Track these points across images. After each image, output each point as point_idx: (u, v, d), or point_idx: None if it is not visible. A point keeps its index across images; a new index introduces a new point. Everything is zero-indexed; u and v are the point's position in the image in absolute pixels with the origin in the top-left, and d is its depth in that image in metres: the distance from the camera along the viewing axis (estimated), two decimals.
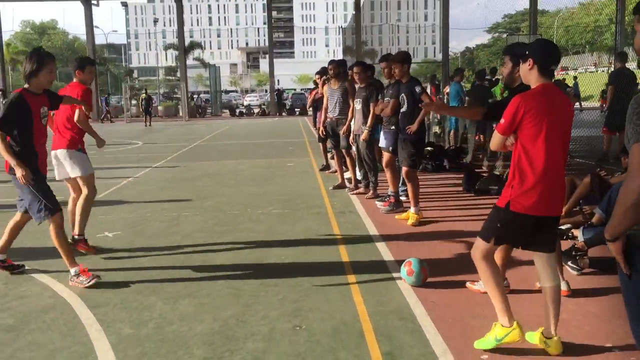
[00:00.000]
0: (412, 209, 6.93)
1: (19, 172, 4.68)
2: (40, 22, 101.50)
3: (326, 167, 11.43)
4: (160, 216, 7.63)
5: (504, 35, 59.92)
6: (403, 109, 7.02)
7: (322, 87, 10.12)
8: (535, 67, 3.39)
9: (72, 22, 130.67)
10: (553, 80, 3.59)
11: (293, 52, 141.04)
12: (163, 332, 3.94)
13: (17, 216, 5.18)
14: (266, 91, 57.26)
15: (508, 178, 3.48)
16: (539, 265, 3.56)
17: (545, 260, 3.53)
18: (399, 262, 5.02)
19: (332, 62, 9.10)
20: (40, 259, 5.76)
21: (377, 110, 7.78)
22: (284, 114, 40.46)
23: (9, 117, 4.73)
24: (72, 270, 4.89)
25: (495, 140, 3.53)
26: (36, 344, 3.82)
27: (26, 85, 4.90)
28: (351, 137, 8.74)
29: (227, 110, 44.03)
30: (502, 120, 3.42)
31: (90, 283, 4.80)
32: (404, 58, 7.06)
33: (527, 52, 3.45)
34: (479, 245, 3.54)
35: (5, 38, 44.98)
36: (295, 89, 73.56)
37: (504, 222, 3.45)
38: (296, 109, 40.71)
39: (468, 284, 4.59)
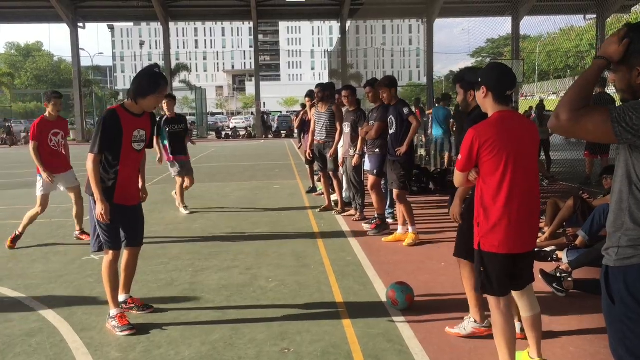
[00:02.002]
0: (410, 229, 7.04)
1: (98, 208, 4.26)
2: (26, 43, 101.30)
3: (313, 189, 11.48)
4: (147, 238, 7.58)
5: (487, 60, 60.79)
6: (392, 131, 7.10)
7: (310, 109, 10.19)
8: (489, 95, 3.24)
9: (57, 44, 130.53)
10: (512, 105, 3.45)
11: (279, 75, 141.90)
12: (151, 356, 3.93)
13: (124, 254, 4.66)
14: (252, 114, 57.39)
15: (474, 215, 3.32)
16: (516, 296, 3.46)
17: (522, 292, 3.44)
18: (386, 284, 5.06)
19: (318, 85, 9.17)
20: (27, 282, 5.72)
21: (361, 134, 7.86)
22: (270, 136, 40.57)
23: (105, 137, 4.24)
24: (111, 312, 4.44)
25: (456, 177, 3.35)
26: None
27: (127, 101, 4.42)
28: (340, 160, 8.81)
29: (213, 133, 44.04)
30: (459, 157, 3.26)
31: (122, 333, 4.28)
32: (391, 82, 7.19)
33: (479, 80, 3.30)
34: (489, 300, 3.36)
35: None
36: (281, 112, 73.84)
37: (484, 265, 3.29)
38: (282, 132, 40.83)
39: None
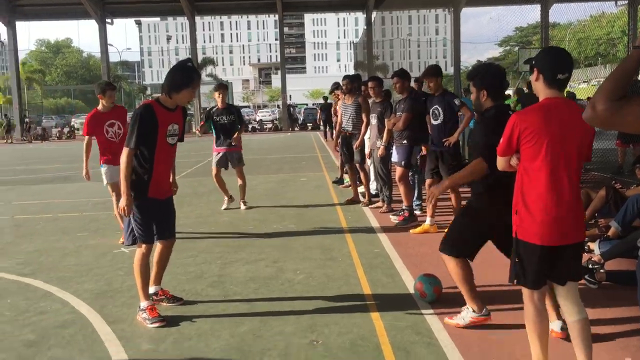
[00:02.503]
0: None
1: (122, 202, 4.32)
2: (55, 40, 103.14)
3: (340, 180, 11.46)
4: (176, 232, 7.67)
5: (516, 49, 59.86)
6: (437, 122, 7.05)
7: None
8: (540, 77, 3.12)
9: (86, 41, 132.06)
10: (566, 91, 3.34)
11: (305, 68, 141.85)
12: (181, 348, 3.97)
13: (157, 246, 4.71)
14: (278, 106, 57.56)
15: (513, 203, 3.24)
16: (560, 297, 3.27)
17: (566, 292, 3.23)
18: (414, 276, 5.03)
19: (345, 77, 9.14)
20: (59, 275, 5.83)
21: (388, 125, 7.80)
22: (296, 129, 40.65)
23: (141, 132, 4.28)
24: (141, 304, 4.49)
25: (498, 161, 3.33)
26: (56, 359, 3.87)
27: (160, 96, 4.48)
28: (367, 152, 8.78)
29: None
30: (501, 140, 3.22)
31: (152, 324, 4.33)
32: (438, 71, 7.13)
33: (533, 62, 3.21)
34: (523, 292, 3.26)
35: (20, 57, 45.70)
36: (307, 104, 73.82)
37: (519, 254, 3.19)
38: (308, 124, 40.89)
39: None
